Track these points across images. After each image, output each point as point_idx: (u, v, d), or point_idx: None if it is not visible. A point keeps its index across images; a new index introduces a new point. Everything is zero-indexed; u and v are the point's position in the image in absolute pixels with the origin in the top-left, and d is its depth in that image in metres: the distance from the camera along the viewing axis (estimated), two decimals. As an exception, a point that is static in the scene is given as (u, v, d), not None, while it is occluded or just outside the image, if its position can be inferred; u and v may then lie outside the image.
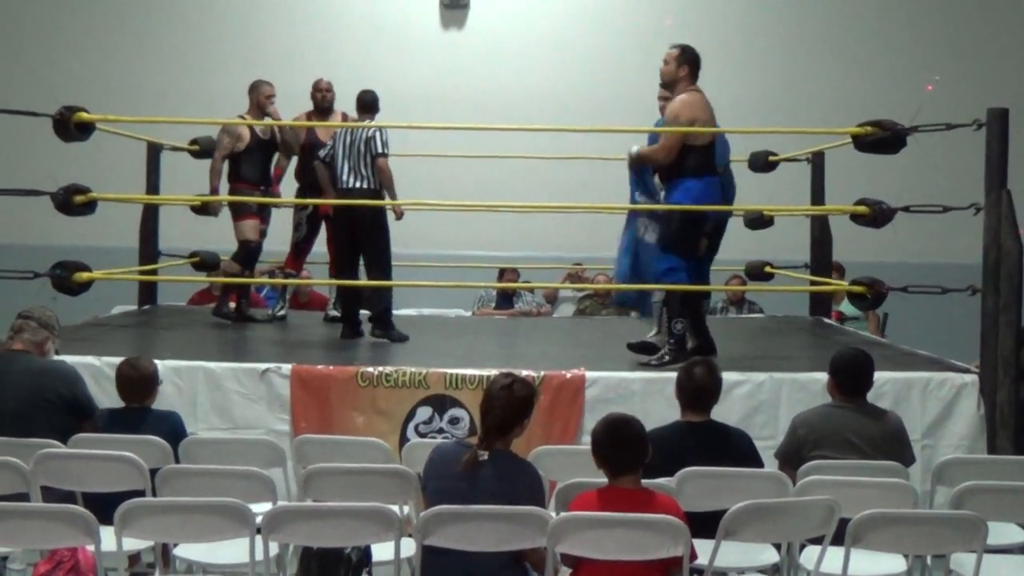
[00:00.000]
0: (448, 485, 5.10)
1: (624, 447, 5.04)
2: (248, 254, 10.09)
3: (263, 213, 10.18)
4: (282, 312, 10.48)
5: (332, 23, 14.59)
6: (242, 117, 9.99)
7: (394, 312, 9.65)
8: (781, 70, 14.31)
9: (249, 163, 10.00)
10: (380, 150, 9.14)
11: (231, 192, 10.01)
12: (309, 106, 10.22)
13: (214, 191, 9.90)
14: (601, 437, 5.11)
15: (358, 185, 9.18)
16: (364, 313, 9.48)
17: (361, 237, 9.24)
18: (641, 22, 14.46)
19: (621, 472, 5.03)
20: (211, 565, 5.58)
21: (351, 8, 14.68)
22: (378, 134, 9.15)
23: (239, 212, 9.98)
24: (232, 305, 10.31)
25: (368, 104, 9.42)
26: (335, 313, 10.18)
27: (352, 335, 9.32)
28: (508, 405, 5.20)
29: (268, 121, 9.93)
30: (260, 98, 9.99)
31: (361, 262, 9.39)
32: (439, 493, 5.14)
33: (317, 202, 9.71)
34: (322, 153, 9.43)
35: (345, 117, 9.95)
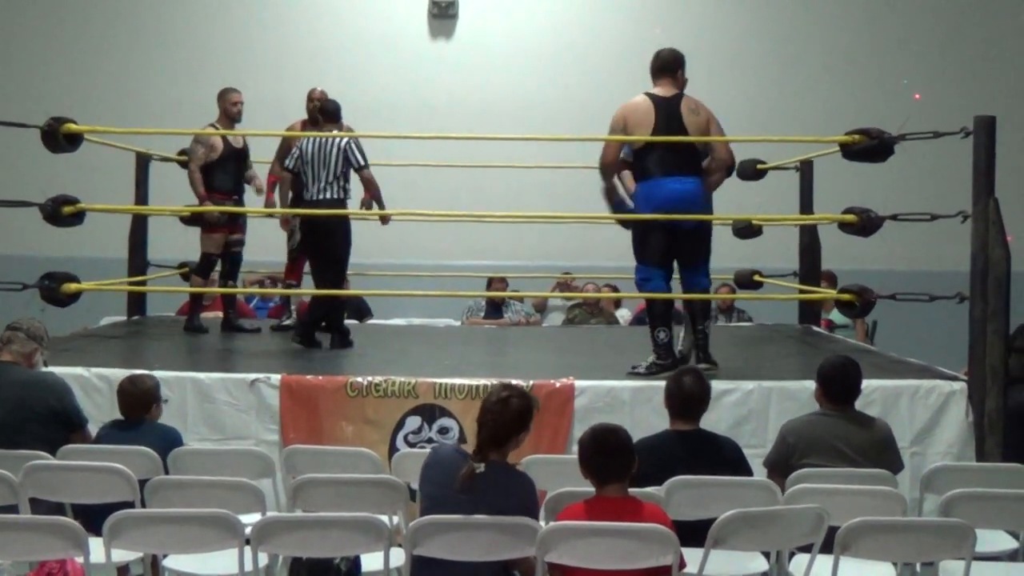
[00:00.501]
0: (443, 494, 5.08)
1: (610, 457, 5.04)
2: (208, 267, 10.14)
3: (234, 224, 10.15)
4: (288, 321, 10.38)
5: (321, 33, 14.61)
6: (213, 126, 9.95)
7: (384, 322, 9.67)
8: (769, 79, 14.35)
9: (222, 172, 9.94)
10: (362, 163, 9.16)
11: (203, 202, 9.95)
12: (301, 115, 10.23)
13: (203, 200, 9.86)
14: (587, 447, 5.11)
15: (327, 196, 9.18)
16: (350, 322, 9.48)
17: (324, 246, 9.26)
18: (630, 32, 14.49)
19: (607, 481, 5.03)
20: (200, 576, 5.57)
21: (340, 18, 14.70)
22: (353, 145, 9.15)
23: (208, 224, 9.99)
24: (217, 316, 10.29)
25: (331, 113, 9.44)
26: (288, 323, 10.23)
27: (343, 345, 9.33)
28: (502, 418, 5.14)
29: (258, 131, 9.88)
30: (227, 105, 9.96)
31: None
32: (433, 499, 5.13)
33: (297, 212, 9.59)
34: (289, 163, 9.43)
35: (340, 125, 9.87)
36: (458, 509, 4.99)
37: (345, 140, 9.17)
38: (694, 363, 7.89)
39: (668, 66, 8.02)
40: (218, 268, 10.28)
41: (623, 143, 8.01)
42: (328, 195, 9.18)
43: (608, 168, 8.10)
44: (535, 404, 5.31)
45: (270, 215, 10.48)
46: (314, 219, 9.21)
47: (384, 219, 9.74)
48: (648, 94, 8.00)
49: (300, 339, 9.22)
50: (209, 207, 9.78)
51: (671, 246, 8.01)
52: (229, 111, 9.95)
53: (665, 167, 7.90)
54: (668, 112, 7.90)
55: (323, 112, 9.48)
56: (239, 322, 10.38)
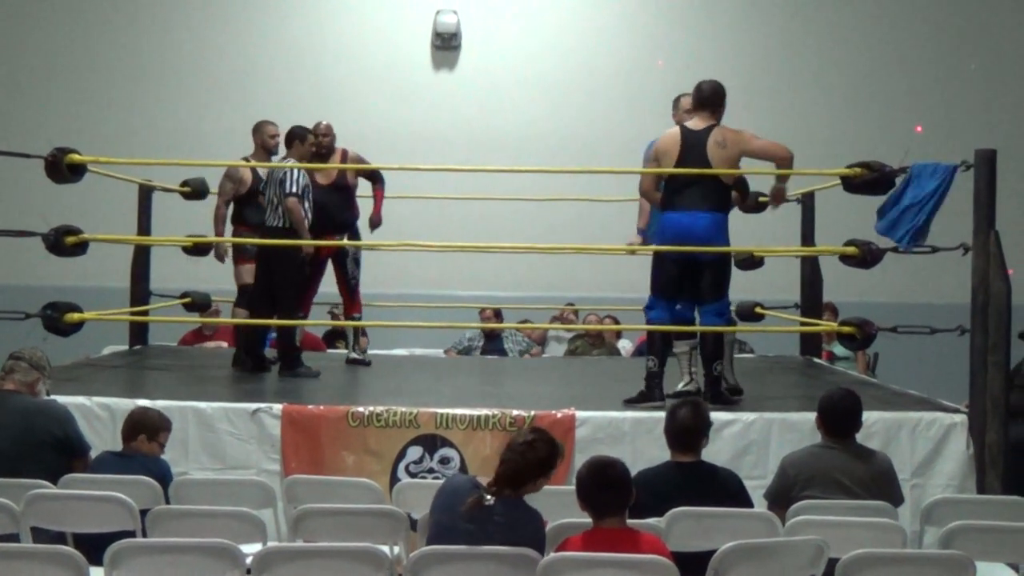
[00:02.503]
0: (451, 523, 5.08)
1: (608, 490, 5.05)
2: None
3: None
4: (355, 355, 10.14)
5: (325, 64, 14.67)
6: (246, 159, 9.87)
7: (386, 352, 9.69)
8: (771, 112, 14.37)
9: (250, 206, 9.76)
10: (290, 189, 9.12)
11: (233, 235, 9.91)
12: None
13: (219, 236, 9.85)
14: (585, 480, 5.11)
15: (274, 224, 9.23)
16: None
17: (274, 276, 9.26)
18: (632, 64, 14.55)
19: (605, 515, 5.04)
20: (201, 606, 5.57)
21: (344, 49, 14.76)
22: (289, 174, 9.12)
23: (239, 256, 9.88)
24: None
25: (287, 140, 9.45)
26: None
27: (257, 368, 9.44)
28: (525, 459, 5.14)
29: (258, 163, 9.81)
30: (264, 138, 9.84)
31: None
32: (440, 527, 5.13)
33: (315, 243, 9.54)
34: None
35: (345, 154, 9.83)
36: (464, 539, 4.99)
37: (284, 171, 9.17)
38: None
39: (708, 101, 8.01)
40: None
41: (655, 174, 8.06)
42: (275, 223, 9.22)
43: (646, 196, 8.26)
44: (560, 452, 5.28)
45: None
46: (263, 250, 9.26)
47: (376, 222, 9.80)
48: (682, 126, 8.04)
49: (289, 373, 9.26)
50: (212, 238, 9.79)
51: (680, 279, 8.01)
52: (267, 144, 9.84)
53: (680, 200, 7.92)
54: (694, 145, 7.89)
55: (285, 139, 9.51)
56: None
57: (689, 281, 8.01)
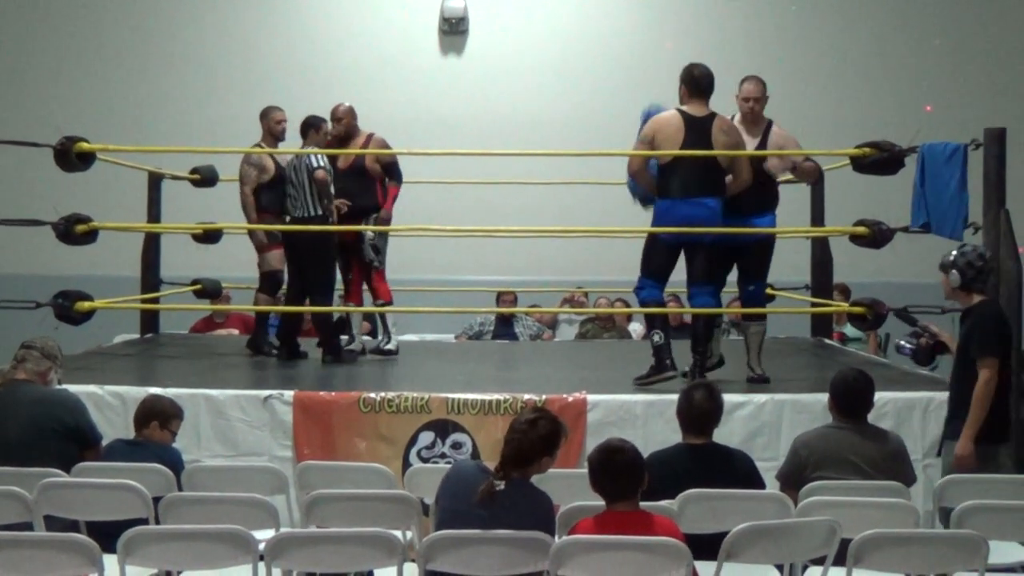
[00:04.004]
0: (461, 508, 5.08)
1: (619, 474, 5.05)
2: (275, 284, 9.90)
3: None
4: (389, 346, 9.79)
5: (332, 50, 14.64)
6: (259, 146, 9.78)
7: (398, 338, 9.69)
8: (780, 93, 14.17)
9: (272, 193, 9.66)
10: (316, 164, 9.15)
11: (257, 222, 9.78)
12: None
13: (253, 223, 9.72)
14: (596, 465, 5.11)
15: (300, 214, 9.23)
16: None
17: (304, 264, 9.29)
18: (641, 46, 14.52)
19: (617, 499, 5.04)
20: (214, 593, 5.58)
21: (351, 35, 14.73)
22: (312, 158, 9.16)
23: (267, 242, 9.78)
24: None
25: (302, 129, 9.43)
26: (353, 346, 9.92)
27: (291, 356, 9.45)
28: (528, 439, 5.13)
29: (284, 150, 9.72)
30: (271, 124, 9.79)
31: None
32: (450, 513, 5.14)
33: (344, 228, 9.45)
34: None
35: (370, 139, 9.65)
36: (475, 524, 4.99)
37: (307, 155, 9.19)
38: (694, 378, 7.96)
39: (707, 88, 8.04)
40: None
41: (644, 150, 8.05)
42: (302, 213, 9.22)
43: (636, 177, 8.20)
44: (564, 431, 5.29)
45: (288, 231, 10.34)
46: (295, 238, 9.25)
47: (379, 220, 9.64)
48: (680, 111, 8.02)
49: (333, 358, 9.31)
50: (224, 224, 9.77)
51: (674, 262, 8.14)
52: (274, 130, 9.79)
53: (686, 188, 7.94)
54: (699, 132, 7.92)
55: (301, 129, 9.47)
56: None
57: (686, 261, 8.14)
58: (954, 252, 6.85)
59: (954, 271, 6.78)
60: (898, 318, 10.14)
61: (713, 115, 7.99)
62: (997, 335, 6.72)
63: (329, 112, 9.63)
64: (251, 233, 9.79)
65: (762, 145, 8.28)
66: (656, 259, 8.10)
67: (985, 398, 6.58)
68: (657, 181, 8.07)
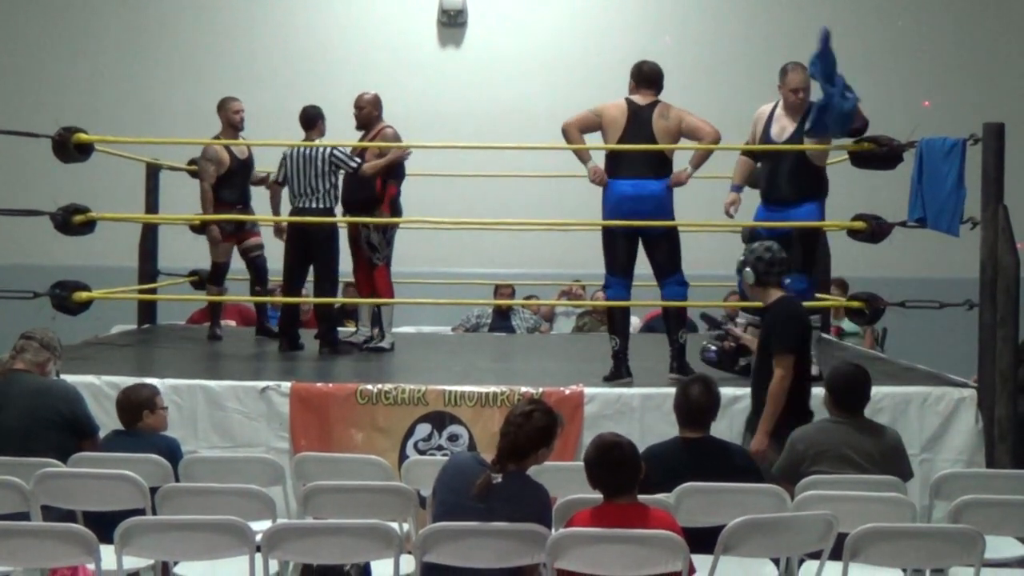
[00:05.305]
0: (458, 501, 5.09)
1: (615, 470, 5.05)
2: (218, 275, 10.17)
3: (242, 231, 10.12)
4: (383, 343, 9.60)
5: (330, 41, 14.62)
6: (216, 138, 9.88)
7: (394, 329, 9.68)
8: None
9: (229, 185, 9.91)
10: (355, 165, 9.20)
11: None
12: None
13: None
14: (592, 460, 5.11)
15: (312, 205, 9.23)
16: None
17: (314, 254, 9.31)
18: (640, 40, 14.47)
19: (614, 494, 5.04)
20: (211, 583, 5.59)
21: (349, 26, 14.71)
22: (338, 153, 9.20)
23: (218, 236, 10.02)
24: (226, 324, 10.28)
25: (310, 120, 9.43)
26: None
27: (291, 348, 9.46)
28: (524, 431, 5.15)
29: (267, 142, 9.77)
30: (229, 115, 9.88)
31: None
32: (446, 506, 5.14)
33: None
34: (279, 178, 9.47)
35: (380, 131, 9.48)
36: (472, 517, 5.00)
37: (328, 148, 9.21)
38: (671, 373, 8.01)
39: (653, 80, 8.30)
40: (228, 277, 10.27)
41: (586, 118, 8.35)
42: (315, 204, 9.23)
43: (567, 137, 8.45)
44: (559, 422, 5.31)
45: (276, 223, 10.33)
46: (302, 229, 9.27)
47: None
48: (628, 100, 8.26)
49: (329, 349, 9.35)
50: (217, 216, 9.77)
51: (634, 253, 8.19)
52: (232, 120, 9.88)
53: (622, 169, 8.13)
54: (639, 118, 8.14)
55: (302, 118, 9.46)
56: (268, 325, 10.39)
57: (647, 253, 8.19)
58: (744, 252, 7.04)
59: (747, 269, 6.94)
60: (704, 321, 10.26)
61: (655, 103, 8.19)
62: (793, 332, 6.79)
63: (333, 104, 9.74)
64: (206, 227, 9.95)
65: (800, 127, 8.26)
66: (613, 251, 8.20)
67: (780, 394, 6.66)
68: (605, 167, 8.23)
